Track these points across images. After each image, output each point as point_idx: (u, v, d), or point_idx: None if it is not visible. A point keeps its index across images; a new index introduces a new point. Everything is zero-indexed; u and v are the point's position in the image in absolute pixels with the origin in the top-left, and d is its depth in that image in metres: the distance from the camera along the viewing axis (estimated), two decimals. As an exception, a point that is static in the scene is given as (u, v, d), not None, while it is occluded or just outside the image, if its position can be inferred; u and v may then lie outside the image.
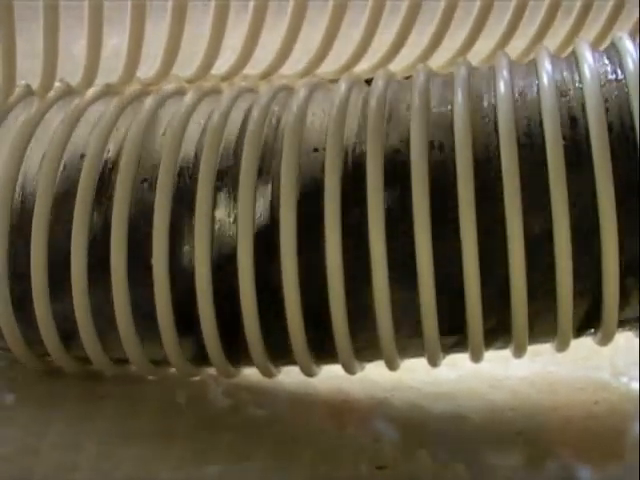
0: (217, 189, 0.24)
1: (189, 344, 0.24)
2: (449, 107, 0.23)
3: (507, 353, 0.25)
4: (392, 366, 0.24)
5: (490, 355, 0.25)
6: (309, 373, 0.25)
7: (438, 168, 0.23)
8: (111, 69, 0.27)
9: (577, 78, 0.23)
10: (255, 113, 0.24)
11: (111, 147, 0.25)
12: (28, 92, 0.27)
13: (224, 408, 0.26)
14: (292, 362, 0.25)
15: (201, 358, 0.25)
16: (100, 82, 0.27)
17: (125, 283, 0.24)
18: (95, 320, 0.24)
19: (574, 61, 0.24)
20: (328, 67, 0.29)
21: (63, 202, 0.24)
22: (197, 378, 0.27)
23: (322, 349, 0.24)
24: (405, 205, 0.22)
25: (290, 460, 0.24)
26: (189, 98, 0.25)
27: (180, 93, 0.26)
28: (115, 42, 0.26)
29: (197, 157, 0.24)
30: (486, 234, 0.22)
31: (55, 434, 0.25)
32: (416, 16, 0.27)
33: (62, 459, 0.24)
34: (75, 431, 0.25)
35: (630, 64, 0.23)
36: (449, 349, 0.24)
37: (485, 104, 0.23)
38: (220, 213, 0.23)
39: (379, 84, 0.24)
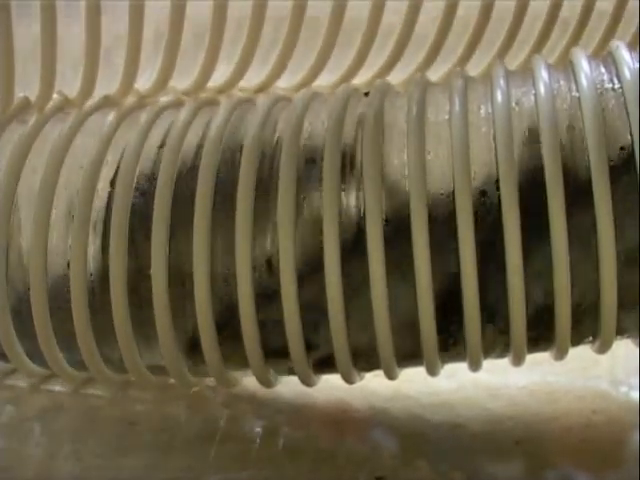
0: (215, 200, 0.24)
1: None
2: (446, 117, 0.23)
3: (506, 363, 0.25)
4: (391, 375, 0.24)
5: (489, 365, 0.25)
6: (308, 383, 0.25)
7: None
8: (109, 79, 0.27)
9: (574, 87, 0.23)
10: (253, 123, 0.24)
11: (109, 159, 0.25)
12: (26, 104, 0.27)
13: (223, 418, 0.26)
14: (291, 372, 0.25)
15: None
16: (98, 93, 0.27)
17: (125, 292, 0.24)
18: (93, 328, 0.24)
19: (571, 70, 0.24)
20: (325, 80, 0.29)
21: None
22: (196, 388, 0.27)
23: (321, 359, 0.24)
24: (404, 215, 0.22)
25: (289, 470, 0.24)
26: (186, 109, 0.25)
27: (178, 105, 0.26)
28: (112, 53, 0.27)
29: (195, 168, 0.24)
30: (484, 240, 0.22)
31: (53, 445, 0.25)
32: (414, 27, 0.27)
33: (60, 470, 0.24)
34: (73, 442, 0.25)
35: (627, 73, 0.23)
36: (448, 358, 0.24)
37: (482, 113, 0.23)
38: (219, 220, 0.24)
39: (377, 95, 0.25)
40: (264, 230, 0.23)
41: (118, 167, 0.25)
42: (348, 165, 0.23)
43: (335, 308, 0.23)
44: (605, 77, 0.23)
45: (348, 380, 0.25)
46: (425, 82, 0.25)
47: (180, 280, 0.24)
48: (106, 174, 0.25)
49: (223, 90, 0.29)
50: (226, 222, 0.23)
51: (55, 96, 0.27)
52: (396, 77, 0.28)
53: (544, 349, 0.24)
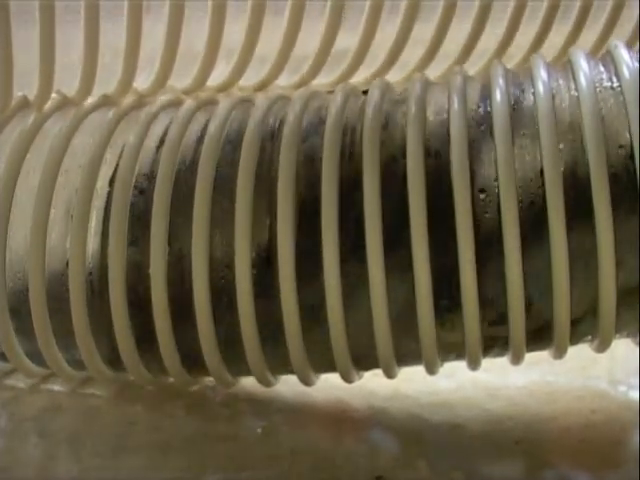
0: (214, 198, 0.24)
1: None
2: (445, 115, 0.23)
3: (505, 363, 0.25)
4: (390, 374, 0.24)
5: (488, 364, 0.25)
6: (307, 382, 0.25)
7: (435, 175, 0.23)
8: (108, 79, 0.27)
9: (573, 86, 0.23)
10: (252, 123, 0.24)
11: (108, 158, 0.25)
12: (25, 104, 0.27)
13: (221, 418, 0.26)
14: (290, 371, 0.25)
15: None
16: (97, 92, 0.27)
17: (123, 291, 0.24)
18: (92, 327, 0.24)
19: (569, 69, 0.24)
20: (324, 78, 0.29)
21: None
22: (195, 388, 0.27)
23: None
24: (401, 212, 0.22)
25: (288, 470, 0.24)
26: (185, 108, 0.25)
27: (176, 104, 0.26)
28: (111, 52, 0.26)
29: (194, 166, 0.24)
30: (482, 241, 0.22)
31: (52, 445, 0.25)
32: (412, 26, 0.27)
33: (59, 470, 0.24)
34: (72, 442, 0.25)
35: (626, 72, 0.23)
36: (447, 356, 0.24)
37: (481, 112, 0.23)
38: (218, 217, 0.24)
39: (375, 93, 0.25)
40: (263, 229, 0.23)
41: (117, 166, 0.25)
42: (347, 163, 0.23)
43: (334, 309, 0.23)
44: (604, 76, 0.23)
45: (347, 379, 0.25)
46: (424, 80, 0.25)
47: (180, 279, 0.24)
48: (105, 173, 0.25)
49: (222, 89, 0.29)
50: (225, 219, 0.23)
51: (54, 95, 0.27)
52: (395, 76, 0.28)
53: (543, 348, 0.24)
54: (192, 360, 0.25)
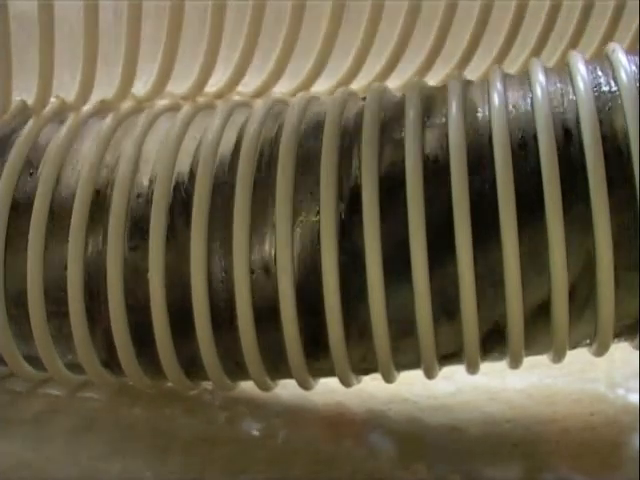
0: (213, 203, 0.24)
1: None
2: (443, 120, 0.23)
3: (504, 366, 0.25)
4: (389, 379, 0.24)
5: (487, 368, 0.25)
6: (306, 386, 0.25)
7: (433, 180, 0.23)
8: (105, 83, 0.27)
9: (570, 90, 0.23)
10: (250, 127, 0.24)
11: (107, 162, 0.25)
12: (24, 108, 0.27)
13: (220, 421, 0.26)
14: (289, 375, 0.25)
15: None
16: (95, 97, 0.27)
17: (122, 295, 0.24)
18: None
19: (567, 73, 0.24)
20: (322, 85, 0.29)
21: (60, 217, 0.25)
22: (194, 392, 0.27)
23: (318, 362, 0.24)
24: (400, 217, 0.22)
25: (287, 474, 0.24)
26: (184, 112, 0.26)
27: (175, 109, 0.26)
28: (110, 57, 0.27)
29: (192, 172, 0.24)
30: (481, 245, 0.22)
31: (51, 449, 0.25)
32: (412, 32, 0.27)
33: (58, 474, 0.24)
34: (70, 445, 0.25)
35: (623, 76, 0.23)
36: (445, 360, 0.24)
37: (479, 117, 0.23)
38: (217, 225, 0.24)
39: (374, 98, 0.25)
40: (262, 235, 0.23)
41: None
42: (344, 167, 0.23)
43: (333, 313, 0.23)
44: (602, 80, 0.23)
45: (346, 383, 0.25)
46: (422, 85, 0.25)
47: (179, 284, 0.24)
48: (104, 177, 0.25)
49: (221, 95, 0.29)
50: (224, 226, 0.23)
51: (52, 100, 0.27)
52: (394, 82, 0.29)
53: (541, 352, 0.24)
54: (191, 364, 0.25)
